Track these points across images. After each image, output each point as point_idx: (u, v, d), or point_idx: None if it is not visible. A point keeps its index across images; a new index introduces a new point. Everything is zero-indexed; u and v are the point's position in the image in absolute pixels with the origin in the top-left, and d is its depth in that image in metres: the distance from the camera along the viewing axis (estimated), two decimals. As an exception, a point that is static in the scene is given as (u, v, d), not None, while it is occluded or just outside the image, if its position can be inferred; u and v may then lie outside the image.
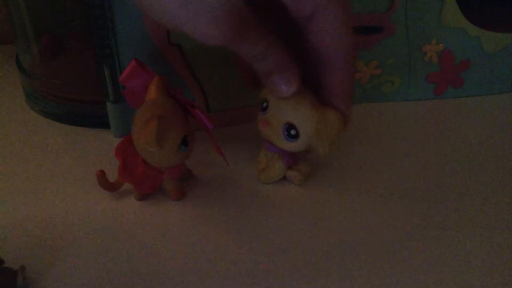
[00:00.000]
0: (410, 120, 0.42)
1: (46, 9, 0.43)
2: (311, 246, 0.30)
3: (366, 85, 0.43)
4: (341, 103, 0.29)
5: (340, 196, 0.33)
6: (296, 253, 0.29)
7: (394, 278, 0.27)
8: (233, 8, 0.23)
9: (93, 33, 0.35)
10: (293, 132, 0.30)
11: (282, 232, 0.31)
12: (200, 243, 0.30)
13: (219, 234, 0.30)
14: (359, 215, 0.32)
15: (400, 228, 0.31)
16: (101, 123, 0.39)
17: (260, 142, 0.34)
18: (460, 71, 0.43)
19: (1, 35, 0.52)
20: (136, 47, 0.35)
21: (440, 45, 0.42)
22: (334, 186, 0.34)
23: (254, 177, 0.35)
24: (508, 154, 0.37)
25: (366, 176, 0.35)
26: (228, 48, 0.25)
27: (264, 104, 0.31)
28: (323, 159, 0.36)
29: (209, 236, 0.30)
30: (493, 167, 0.36)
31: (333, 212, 0.32)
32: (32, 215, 0.32)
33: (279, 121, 0.30)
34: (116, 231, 0.31)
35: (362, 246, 0.29)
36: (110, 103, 0.37)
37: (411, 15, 0.40)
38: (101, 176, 0.32)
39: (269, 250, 0.29)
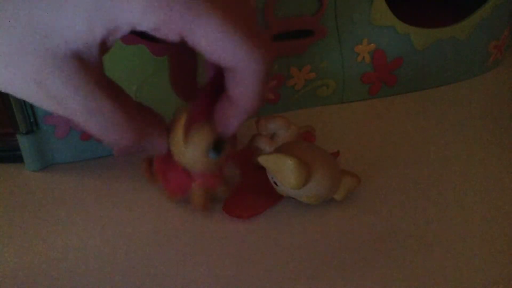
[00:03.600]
0: (347, 122, 0.41)
1: None
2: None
3: (300, 91, 0.41)
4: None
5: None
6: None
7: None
8: (61, 73, 0.21)
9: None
10: None
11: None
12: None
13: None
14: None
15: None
16: (13, 157, 0.35)
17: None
18: (393, 69, 0.42)
19: None
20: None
21: (372, 44, 0.41)
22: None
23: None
24: (441, 146, 0.37)
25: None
26: None
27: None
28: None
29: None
30: (430, 159, 0.36)
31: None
32: None
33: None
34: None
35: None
36: (21, 135, 0.33)
37: (341, 16, 0.39)
38: (147, 165, 0.30)
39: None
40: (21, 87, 0.21)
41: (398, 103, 0.43)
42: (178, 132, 0.26)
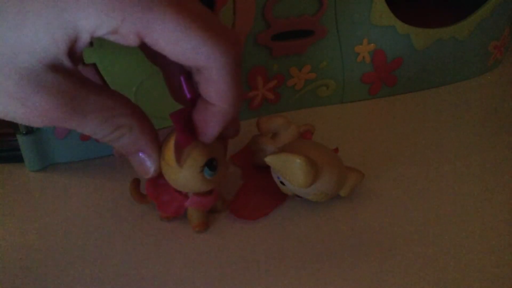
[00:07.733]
0: (347, 122, 0.41)
1: None
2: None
3: (301, 91, 0.41)
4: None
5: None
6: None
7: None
8: (42, 87, 0.20)
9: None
10: None
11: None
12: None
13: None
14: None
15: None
16: (13, 157, 0.35)
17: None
18: (393, 70, 0.42)
19: None
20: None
21: (372, 44, 0.41)
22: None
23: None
24: (441, 146, 0.37)
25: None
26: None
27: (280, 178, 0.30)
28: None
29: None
30: (430, 159, 0.36)
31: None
32: None
33: None
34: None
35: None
36: (21, 135, 0.33)
37: (341, 16, 0.39)
38: (134, 186, 0.30)
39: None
40: (6, 107, 0.20)
41: (398, 103, 0.43)
42: (170, 156, 0.26)
